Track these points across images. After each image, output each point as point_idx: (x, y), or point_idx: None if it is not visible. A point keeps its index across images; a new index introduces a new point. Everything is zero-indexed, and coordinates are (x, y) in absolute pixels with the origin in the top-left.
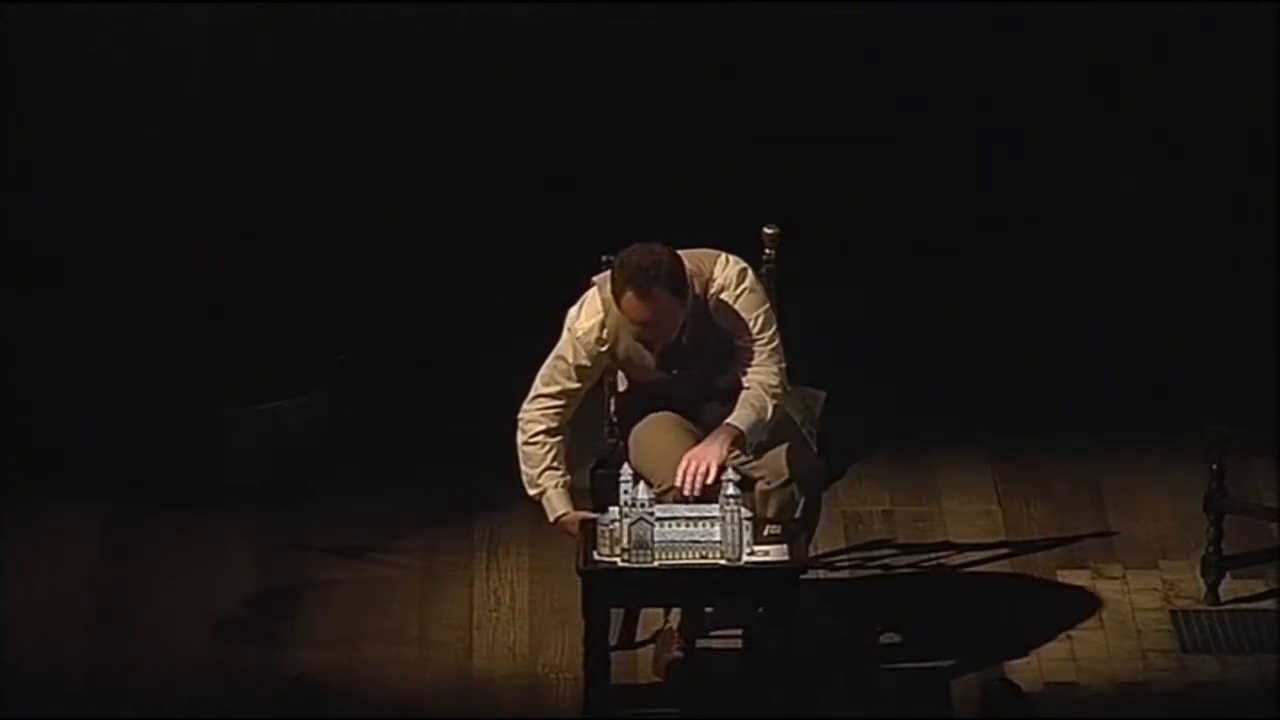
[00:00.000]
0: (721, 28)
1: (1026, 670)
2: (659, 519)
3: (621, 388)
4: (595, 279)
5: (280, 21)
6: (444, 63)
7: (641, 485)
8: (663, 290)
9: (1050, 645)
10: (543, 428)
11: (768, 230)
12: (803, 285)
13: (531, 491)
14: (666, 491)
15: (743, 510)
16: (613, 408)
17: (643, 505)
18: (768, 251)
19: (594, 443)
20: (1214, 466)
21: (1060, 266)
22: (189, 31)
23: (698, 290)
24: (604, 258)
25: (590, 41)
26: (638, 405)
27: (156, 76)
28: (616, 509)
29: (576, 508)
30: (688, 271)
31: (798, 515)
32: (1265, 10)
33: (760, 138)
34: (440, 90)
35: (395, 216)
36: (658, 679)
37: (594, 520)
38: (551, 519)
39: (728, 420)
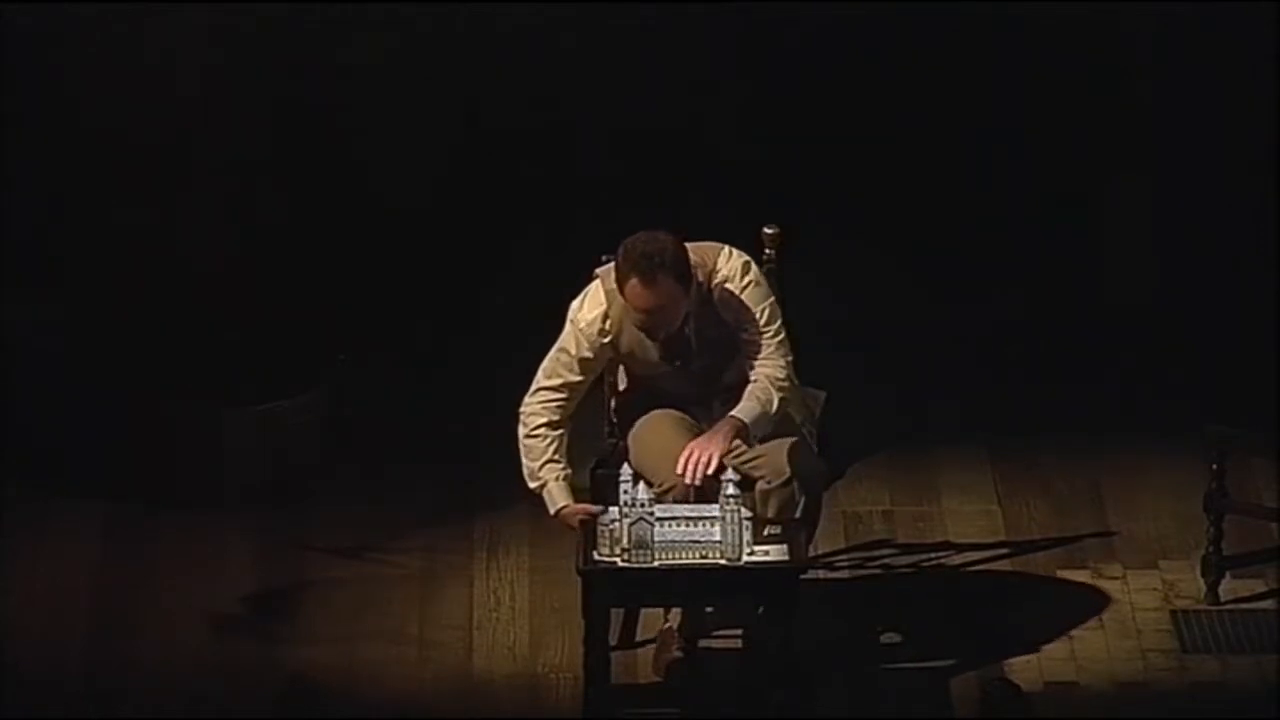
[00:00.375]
0: (721, 28)
1: (1026, 670)
2: (659, 519)
3: (622, 386)
4: (598, 271)
5: (280, 21)
6: (444, 62)
7: (641, 485)
8: (667, 277)
9: (1050, 645)
10: (544, 420)
11: (768, 230)
12: (803, 285)
13: (532, 485)
14: (666, 491)
15: (743, 510)
16: (613, 406)
17: (643, 505)
18: (768, 251)
19: (594, 443)
20: (1214, 466)
21: (1060, 266)
22: (189, 31)
23: (701, 279)
24: (603, 257)
25: (590, 41)
26: (638, 405)
27: (156, 77)
28: (616, 509)
29: (577, 502)
30: (691, 262)
31: (798, 515)
32: (1265, 10)
33: (760, 138)
34: (440, 90)
35: (395, 216)
36: (658, 679)
37: (595, 513)
38: (552, 511)
39: (731, 412)
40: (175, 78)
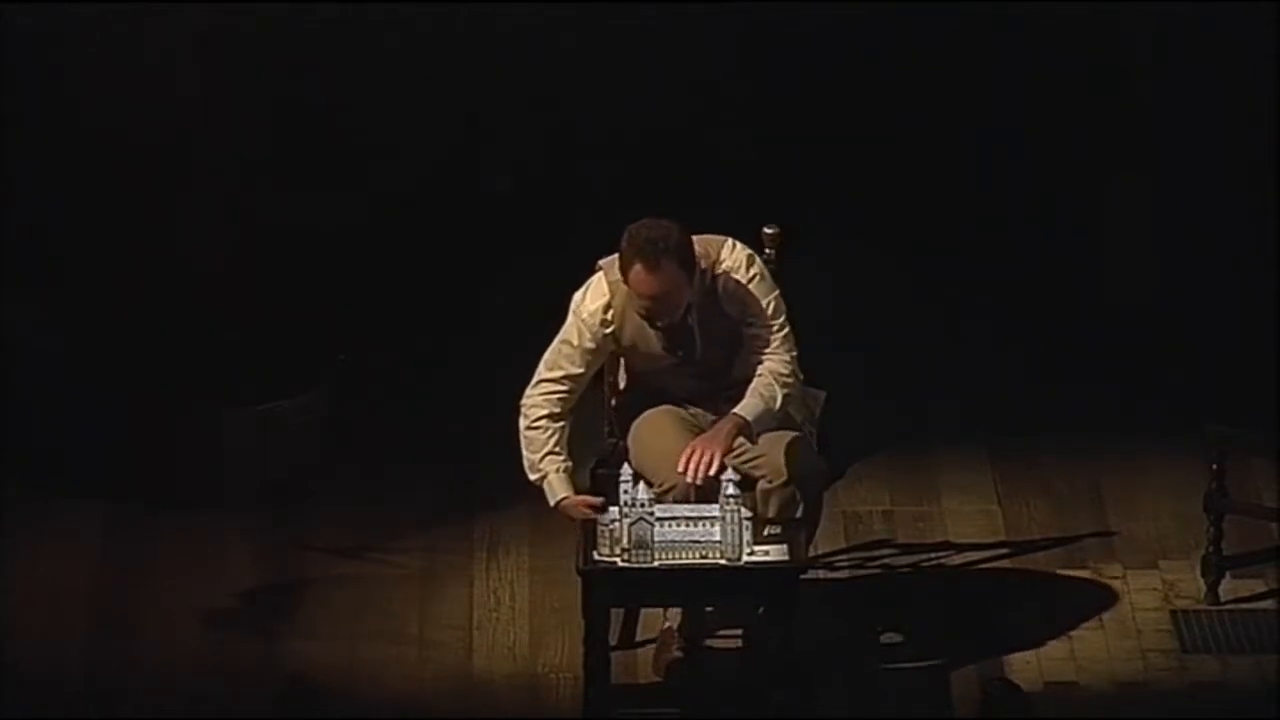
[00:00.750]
0: (721, 28)
1: (1026, 670)
2: (659, 519)
3: (622, 385)
4: (601, 262)
5: (280, 21)
6: (444, 62)
7: (641, 485)
8: (671, 262)
9: (1050, 645)
10: (545, 413)
11: (768, 230)
12: (803, 285)
13: (533, 477)
14: (667, 491)
15: (743, 510)
16: (613, 406)
17: (643, 505)
18: (768, 251)
19: (594, 443)
20: (1214, 466)
21: (1060, 266)
22: (189, 31)
23: (704, 267)
24: (601, 263)
25: (590, 41)
26: (638, 405)
27: (156, 77)
28: (616, 509)
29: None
30: (695, 252)
31: (798, 515)
32: (1265, 10)
33: (760, 138)
34: (440, 90)
35: (395, 217)
36: (658, 679)
37: (595, 504)
38: (552, 503)
39: (734, 410)
40: (175, 78)
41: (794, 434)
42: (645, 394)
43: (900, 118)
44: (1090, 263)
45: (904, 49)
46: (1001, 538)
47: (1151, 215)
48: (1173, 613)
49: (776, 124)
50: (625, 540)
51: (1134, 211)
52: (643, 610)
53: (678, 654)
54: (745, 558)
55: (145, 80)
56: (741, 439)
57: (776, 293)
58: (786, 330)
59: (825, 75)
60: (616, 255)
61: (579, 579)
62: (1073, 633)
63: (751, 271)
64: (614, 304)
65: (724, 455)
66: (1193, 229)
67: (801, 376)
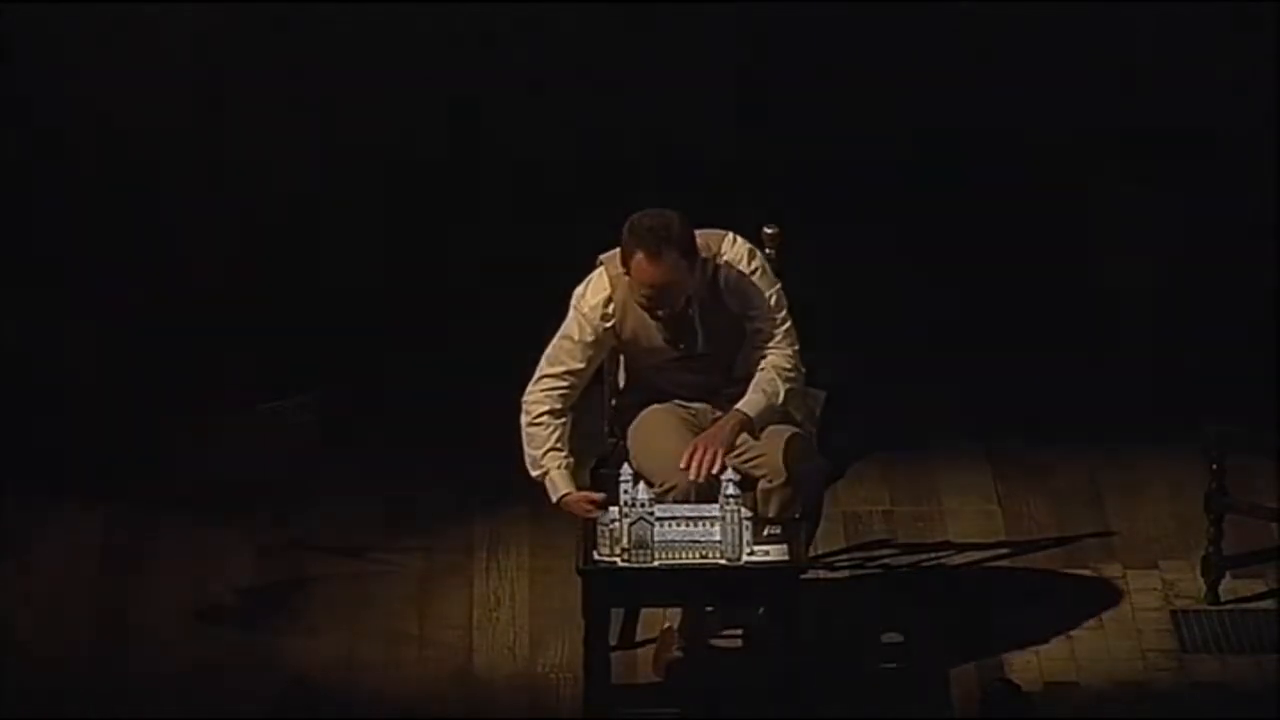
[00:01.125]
0: (721, 28)
1: (1026, 670)
2: (659, 519)
3: (622, 384)
4: (601, 257)
5: (280, 21)
6: (443, 61)
7: (641, 485)
8: (673, 251)
9: (1050, 645)
10: (547, 409)
11: (768, 230)
12: (802, 284)
13: (534, 473)
14: (667, 491)
15: (743, 510)
16: (613, 405)
17: (643, 505)
18: (768, 251)
19: (594, 443)
20: (1214, 466)
21: (1060, 266)
22: (189, 31)
23: (705, 257)
24: (602, 258)
25: (590, 41)
26: (638, 404)
27: (155, 76)
28: (616, 509)
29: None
30: (697, 244)
31: (798, 515)
32: (1265, 10)
33: (760, 138)
34: (440, 89)
35: (395, 216)
36: (658, 679)
37: (597, 500)
38: (554, 499)
39: (736, 406)
40: (175, 77)
41: (794, 431)
42: (645, 393)
43: (900, 117)
44: (1090, 262)
45: (904, 49)
46: (1001, 538)
47: (1152, 215)
48: (1173, 613)
49: (776, 124)
50: (625, 540)
51: (1134, 211)
52: (643, 610)
53: (678, 654)
54: (745, 558)
55: (145, 79)
56: (744, 435)
57: (778, 286)
58: (788, 325)
59: (825, 75)
60: (617, 249)
61: (579, 579)
62: (1073, 633)
63: (753, 265)
64: (615, 298)
65: (727, 453)
66: (1193, 229)
67: (804, 371)
